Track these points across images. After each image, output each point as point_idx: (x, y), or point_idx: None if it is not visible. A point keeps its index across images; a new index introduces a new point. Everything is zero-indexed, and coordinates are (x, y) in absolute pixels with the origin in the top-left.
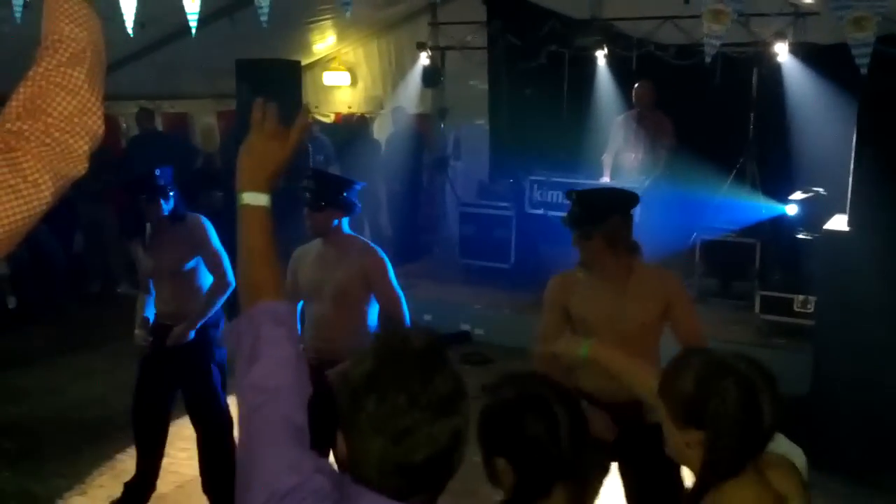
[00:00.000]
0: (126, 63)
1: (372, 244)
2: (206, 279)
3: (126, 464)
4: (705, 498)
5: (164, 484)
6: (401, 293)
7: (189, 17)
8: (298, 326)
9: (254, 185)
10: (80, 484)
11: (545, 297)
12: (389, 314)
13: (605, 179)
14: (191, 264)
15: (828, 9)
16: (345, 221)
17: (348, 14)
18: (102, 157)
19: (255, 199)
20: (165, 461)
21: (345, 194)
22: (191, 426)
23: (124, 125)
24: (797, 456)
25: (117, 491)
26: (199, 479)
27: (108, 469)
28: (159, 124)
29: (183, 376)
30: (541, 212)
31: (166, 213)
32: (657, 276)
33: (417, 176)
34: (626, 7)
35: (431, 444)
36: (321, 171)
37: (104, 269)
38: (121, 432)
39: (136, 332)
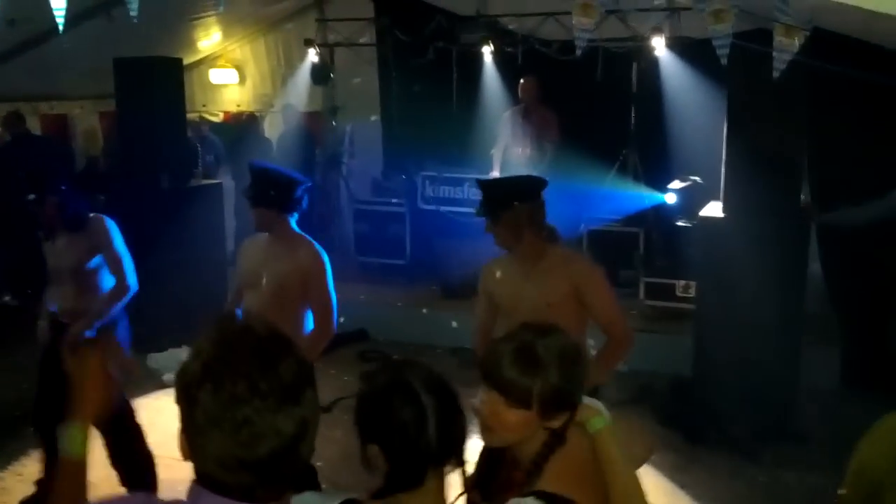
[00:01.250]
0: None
1: (318, 246)
2: (109, 280)
3: (6, 482)
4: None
5: None
6: (333, 300)
7: (56, 13)
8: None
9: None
10: None
11: (478, 285)
12: (318, 318)
13: (495, 174)
14: (92, 264)
15: (693, 2)
16: (291, 219)
17: (221, 9)
18: None
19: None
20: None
21: (288, 193)
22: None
23: None
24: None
25: (26, 490)
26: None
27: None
28: (37, 126)
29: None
30: (433, 207)
31: (63, 213)
32: (566, 259)
33: (310, 174)
34: (511, 3)
35: (275, 436)
36: (263, 169)
37: None
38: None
39: (40, 322)
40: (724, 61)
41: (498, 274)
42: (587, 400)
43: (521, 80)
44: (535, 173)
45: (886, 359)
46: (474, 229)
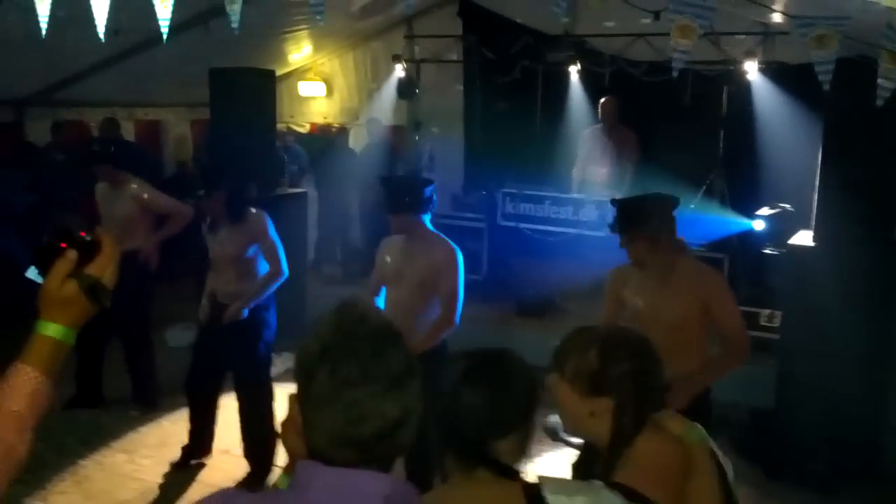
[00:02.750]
0: (99, 69)
1: (452, 244)
2: (264, 267)
3: (89, 470)
4: (622, 457)
5: (127, 490)
6: (460, 294)
7: (161, 23)
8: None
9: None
10: (41, 491)
11: (605, 286)
12: (444, 308)
13: (575, 193)
14: (250, 253)
15: (793, 27)
16: (425, 218)
17: (321, 21)
18: (71, 164)
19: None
20: (129, 468)
21: (420, 197)
22: (155, 432)
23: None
24: (728, 464)
25: (80, 498)
26: (161, 487)
27: (69, 476)
28: (132, 131)
29: (234, 349)
30: (513, 224)
31: (229, 207)
32: (697, 272)
33: None
34: (599, 24)
35: (380, 419)
36: (394, 179)
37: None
38: (83, 444)
39: (203, 302)
40: (826, 87)
41: (632, 283)
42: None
43: (602, 100)
44: (617, 194)
45: None
46: (553, 247)
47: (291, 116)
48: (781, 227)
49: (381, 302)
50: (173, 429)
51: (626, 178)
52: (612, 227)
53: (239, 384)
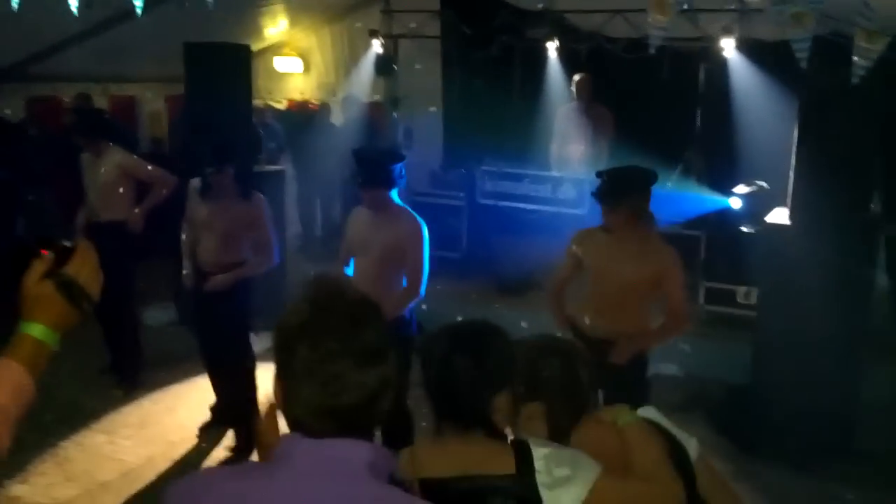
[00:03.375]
0: (72, 43)
1: (417, 217)
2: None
3: (69, 451)
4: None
5: (107, 472)
6: (425, 266)
7: None
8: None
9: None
10: (21, 472)
11: (567, 245)
12: (410, 279)
13: (553, 171)
14: (242, 231)
15: (769, 5)
16: (393, 193)
17: None
18: (45, 139)
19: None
20: (109, 448)
21: (386, 171)
22: (136, 412)
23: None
24: (654, 414)
25: (60, 479)
26: (142, 468)
27: (50, 457)
28: (105, 107)
29: (217, 315)
30: (492, 202)
31: (237, 183)
32: (658, 248)
33: None
34: (577, 0)
35: (360, 389)
36: (361, 152)
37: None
38: (63, 424)
39: (185, 273)
40: (803, 65)
41: (595, 245)
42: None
43: (576, 78)
44: (591, 169)
45: None
46: (532, 225)
47: (269, 93)
48: (758, 204)
49: (349, 271)
50: (154, 408)
51: (602, 156)
52: (596, 196)
53: (213, 351)
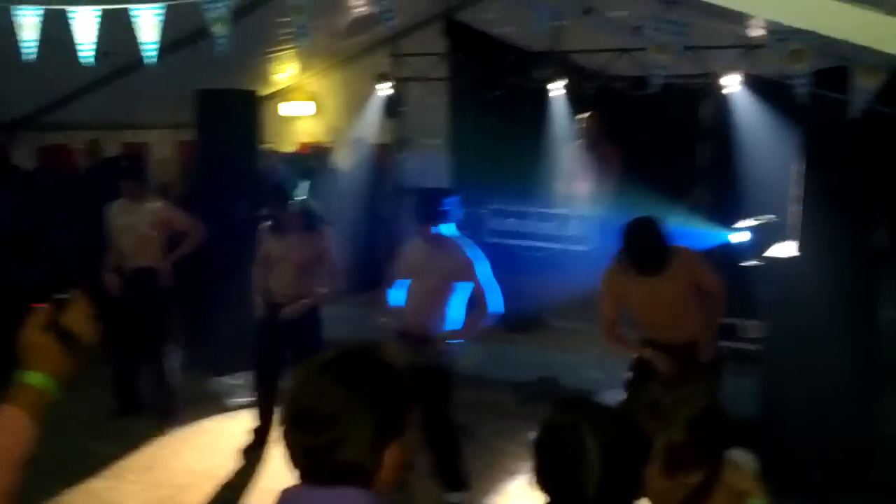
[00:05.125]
0: (84, 93)
1: (465, 247)
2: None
3: (74, 498)
4: None
5: None
6: (487, 286)
7: (148, 47)
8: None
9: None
10: None
11: (602, 285)
12: (478, 300)
13: (558, 209)
14: (312, 261)
15: (770, 41)
16: (442, 227)
17: (307, 40)
18: (64, 185)
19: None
20: (114, 494)
21: (437, 208)
22: (140, 457)
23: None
24: (748, 459)
25: None
26: None
27: (53, 502)
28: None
29: (294, 341)
30: (499, 240)
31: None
32: (680, 256)
33: (377, 206)
34: (584, 40)
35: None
36: (418, 192)
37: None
38: (66, 470)
39: (256, 300)
40: (802, 101)
41: (628, 278)
42: (747, 467)
43: (582, 116)
44: (602, 208)
45: None
46: (540, 263)
47: (278, 136)
48: (763, 238)
49: (393, 295)
50: (159, 453)
51: (608, 193)
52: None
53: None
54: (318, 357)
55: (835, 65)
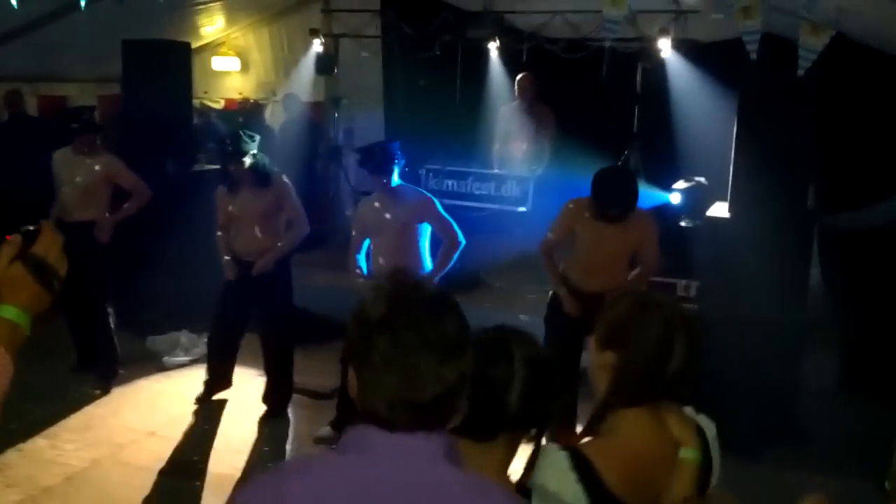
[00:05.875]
0: (2, 41)
1: (419, 189)
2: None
3: (9, 457)
4: (606, 417)
5: (51, 476)
6: (452, 221)
7: None
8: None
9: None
10: None
11: (562, 210)
12: (444, 237)
13: (496, 169)
14: (272, 211)
15: (709, 7)
16: (394, 177)
17: None
18: None
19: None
20: (52, 453)
21: (389, 160)
22: (77, 417)
23: None
24: (707, 424)
25: (1, 486)
26: (86, 471)
27: None
28: (34, 106)
29: (262, 298)
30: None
31: (254, 172)
32: (638, 217)
33: (311, 165)
34: (518, 0)
35: (439, 384)
36: (365, 148)
37: None
38: (1, 429)
39: (226, 260)
40: (753, 56)
41: (586, 217)
42: (691, 417)
43: (518, 77)
44: (538, 169)
45: (885, 363)
46: (477, 223)
47: (205, 92)
48: (697, 199)
49: (361, 257)
50: (97, 412)
51: (544, 154)
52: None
53: (268, 330)
54: None
55: (776, 30)
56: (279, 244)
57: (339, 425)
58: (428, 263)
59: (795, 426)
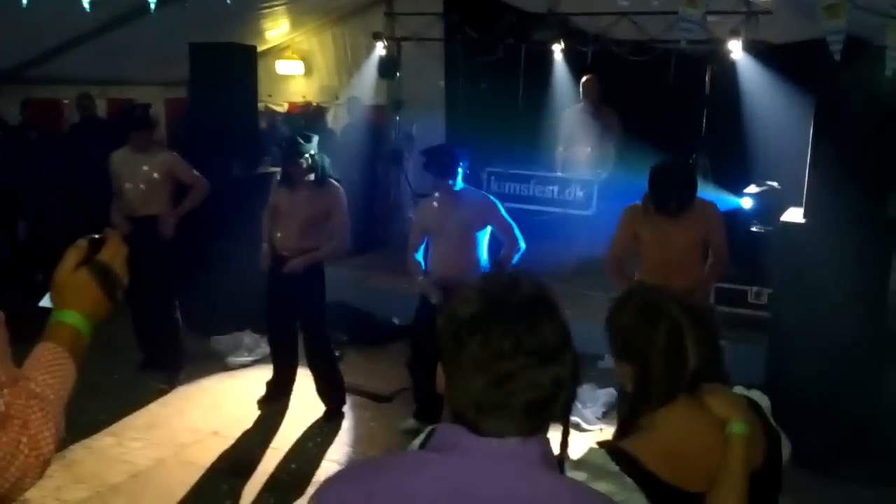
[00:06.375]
0: (71, 46)
1: (483, 193)
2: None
3: (77, 453)
4: (639, 422)
5: (117, 473)
6: (513, 224)
7: None
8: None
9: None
10: None
11: (619, 220)
12: (506, 238)
13: (559, 173)
14: (319, 217)
15: (779, 6)
16: (459, 180)
17: None
18: (46, 144)
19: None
20: (118, 451)
21: (454, 163)
22: (143, 416)
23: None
24: (760, 397)
25: (69, 482)
26: (151, 469)
27: (57, 459)
28: (103, 110)
29: (297, 295)
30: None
31: (313, 173)
32: (702, 207)
33: (373, 167)
34: (583, 2)
35: (532, 390)
36: (430, 150)
37: (49, 258)
38: (70, 426)
39: (264, 248)
40: (837, 57)
41: (645, 218)
42: (735, 394)
43: (584, 79)
44: (603, 172)
45: None
46: (541, 227)
47: (269, 95)
48: (769, 204)
49: (420, 256)
50: (162, 411)
51: (609, 157)
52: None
53: (304, 329)
54: None
55: (858, 33)
56: (317, 250)
57: (422, 416)
58: (486, 266)
59: (872, 441)
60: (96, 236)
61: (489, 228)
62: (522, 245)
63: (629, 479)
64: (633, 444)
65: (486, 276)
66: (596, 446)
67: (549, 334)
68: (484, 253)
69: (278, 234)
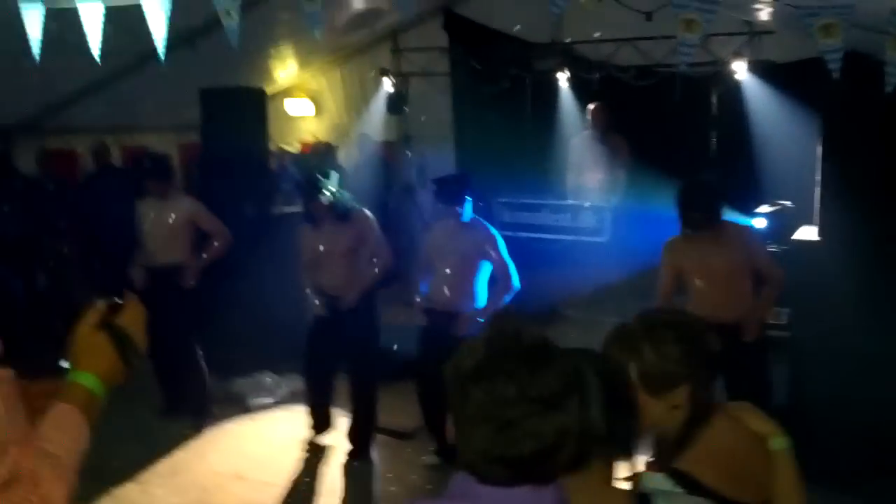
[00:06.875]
0: (84, 96)
1: (488, 224)
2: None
3: (101, 502)
4: (690, 447)
5: None
6: (510, 263)
7: (157, 42)
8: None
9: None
10: None
11: (661, 258)
12: (500, 277)
13: (571, 200)
14: (355, 246)
15: (797, 18)
16: (466, 209)
17: (318, 35)
18: (63, 193)
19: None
20: (143, 498)
21: (462, 191)
22: (166, 462)
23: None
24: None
25: None
26: None
27: None
28: (117, 158)
29: (350, 330)
30: (511, 233)
31: (335, 208)
32: (737, 230)
33: (385, 203)
34: (586, 30)
35: (536, 439)
36: (440, 179)
37: (68, 307)
38: (93, 475)
39: (317, 303)
40: (835, 75)
41: (686, 249)
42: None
43: (591, 107)
44: (614, 199)
45: None
46: (554, 255)
47: (281, 136)
48: (783, 223)
49: (425, 286)
50: (184, 456)
51: (619, 183)
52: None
53: (354, 367)
54: None
55: (860, 47)
56: (364, 277)
57: (443, 452)
58: (482, 299)
59: (895, 459)
60: (116, 300)
61: (490, 264)
62: (517, 284)
63: (700, 499)
64: (684, 461)
65: (490, 326)
66: (651, 473)
67: (552, 382)
68: (483, 286)
69: (325, 277)
